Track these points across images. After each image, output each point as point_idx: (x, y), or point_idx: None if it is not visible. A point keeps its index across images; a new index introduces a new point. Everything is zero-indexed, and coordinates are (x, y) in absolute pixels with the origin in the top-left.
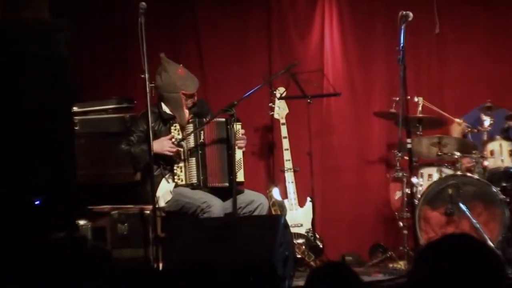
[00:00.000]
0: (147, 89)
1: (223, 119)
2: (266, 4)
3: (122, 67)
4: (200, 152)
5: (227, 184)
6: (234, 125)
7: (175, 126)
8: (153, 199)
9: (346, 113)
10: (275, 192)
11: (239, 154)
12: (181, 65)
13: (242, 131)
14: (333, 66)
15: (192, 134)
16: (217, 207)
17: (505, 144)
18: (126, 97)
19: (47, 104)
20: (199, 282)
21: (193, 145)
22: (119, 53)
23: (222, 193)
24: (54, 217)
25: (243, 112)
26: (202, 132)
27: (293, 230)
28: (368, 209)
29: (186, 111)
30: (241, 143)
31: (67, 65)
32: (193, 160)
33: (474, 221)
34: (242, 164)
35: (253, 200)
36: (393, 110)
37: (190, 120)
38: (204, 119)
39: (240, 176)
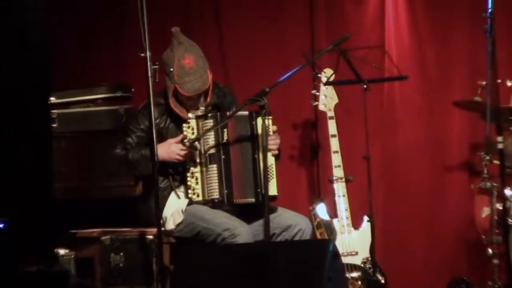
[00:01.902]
0: (149, 72)
1: (246, 113)
2: None
3: (116, 43)
4: (223, 156)
5: (253, 200)
6: (265, 120)
7: (189, 123)
8: (158, 220)
9: (415, 103)
10: (321, 210)
11: (270, 159)
12: (195, 52)
13: (273, 128)
14: (397, 40)
15: (213, 133)
16: (244, 236)
17: None
18: (121, 84)
19: (12, 92)
20: None
21: (213, 147)
22: (112, 25)
23: (248, 213)
24: (25, 245)
25: (276, 103)
26: (225, 129)
27: (345, 260)
28: (445, 231)
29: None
30: (272, 144)
31: (39, 38)
32: (213, 168)
33: None
34: (274, 173)
35: (290, 225)
36: (478, 99)
37: (209, 115)
38: (228, 113)
39: (272, 189)
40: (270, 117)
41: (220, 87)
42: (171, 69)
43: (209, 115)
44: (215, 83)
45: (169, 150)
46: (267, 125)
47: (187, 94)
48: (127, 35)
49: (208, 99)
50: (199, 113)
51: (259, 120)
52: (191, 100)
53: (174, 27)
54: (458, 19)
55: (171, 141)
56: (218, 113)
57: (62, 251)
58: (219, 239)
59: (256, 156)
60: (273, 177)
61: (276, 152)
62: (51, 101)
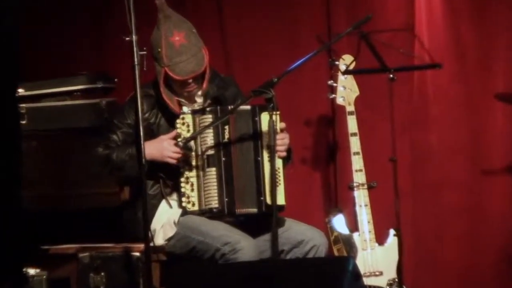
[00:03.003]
0: (135, 59)
1: (248, 107)
2: None
3: (97, 25)
4: (224, 158)
5: (255, 210)
6: (273, 116)
7: (184, 119)
8: (146, 234)
9: (451, 96)
10: (339, 222)
11: (277, 163)
12: (186, 27)
13: (281, 125)
14: (429, 22)
15: (212, 130)
16: (247, 251)
17: None
18: (102, 73)
19: None
20: None
21: (212, 148)
22: (92, 4)
23: (252, 226)
24: None
25: (286, 96)
26: (226, 126)
27: (367, 281)
28: (487, 246)
29: (177, 98)
30: (280, 145)
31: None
32: (212, 172)
33: None
34: (282, 178)
35: (302, 240)
36: None
37: (208, 109)
38: (230, 107)
39: (280, 198)
40: (278, 113)
41: (221, 77)
42: (159, 50)
43: (208, 109)
44: (215, 72)
45: (161, 147)
46: (274, 122)
47: (180, 77)
48: (110, 15)
49: (204, 86)
50: (196, 107)
51: (264, 116)
52: (185, 87)
53: None
54: None
55: (163, 137)
56: (218, 107)
57: (32, 271)
58: (218, 255)
59: (259, 158)
60: (280, 184)
61: (284, 153)
62: (20, 94)
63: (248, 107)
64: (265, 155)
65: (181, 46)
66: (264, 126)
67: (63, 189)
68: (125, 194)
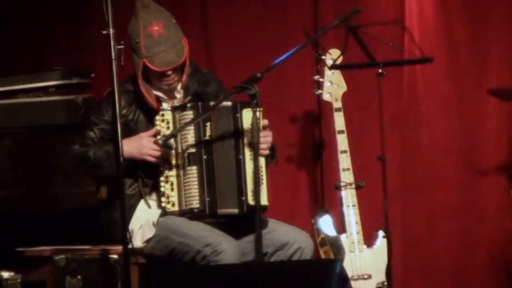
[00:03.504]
0: (113, 53)
1: (229, 103)
2: None
3: (73, 19)
4: (205, 156)
5: (236, 210)
6: (257, 113)
7: (163, 115)
8: (124, 236)
9: (442, 92)
10: (326, 223)
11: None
12: (164, 17)
13: (264, 122)
14: (420, 15)
15: (192, 127)
16: (229, 253)
17: None
18: (78, 69)
19: None
20: None
21: (193, 146)
22: None
23: (235, 228)
24: None
25: (271, 92)
26: (208, 123)
27: (355, 284)
28: (480, 247)
29: (156, 93)
30: (262, 142)
31: None
32: (193, 171)
33: None
34: (264, 177)
35: (286, 242)
36: None
37: (188, 105)
38: (211, 103)
39: (262, 198)
40: (260, 109)
41: (202, 73)
42: (137, 40)
43: (188, 105)
44: (196, 66)
45: (139, 145)
46: (258, 119)
47: (158, 68)
48: (86, 8)
49: (184, 78)
50: (176, 103)
51: (246, 113)
52: (165, 79)
53: None
54: None
55: (142, 134)
56: (200, 103)
57: (5, 274)
58: (198, 258)
59: (240, 156)
60: (263, 183)
61: (267, 152)
62: None
63: (229, 103)
64: (247, 153)
65: (160, 36)
66: (246, 123)
67: (38, 189)
68: (102, 194)
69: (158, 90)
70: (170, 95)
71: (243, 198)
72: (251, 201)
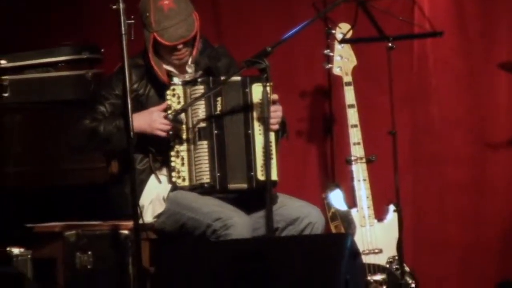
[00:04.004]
0: (122, 28)
1: (238, 78)
2: None
3: None
4: (216, 131)
5: (245, 185)
6: (267, 87)
7: (174, 90)
8: (135, 211)
9: (452, 66)
10: (336, 198)
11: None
12: None
13: (274, 96)
14: None
15: (203, 102)
16: (239, 227)
17: None
18: (88, 44)
19: None
20: None
21: (204, 120)
22: None
23: (244, 202)
24: None
25: (281, 66)
26: (218, 98)
27: (366, 259)
28: (490, 224)
29: (166, 67)
30: (272, 117)
31: None
32: (204, 146)
33: None
34: (274, 153)
35: (297, 218)
36: None
37: (199, 80)
38: (222, 78)
39: (272, 173)
40: (270, 84)
41: (213, 47)
42: (147, 14)
43: (199, 80)
44: (207, 41)
45: (150, 119)
46: (268, 93)
47: (169, 42)
48: None
49: (194, 52)
50: (187, 77)
51: (256, 88)
52: (175, 53)
53: None
54: None
55: (153, 109)
56: (210, 78)
57: (16, 250)
58: (209, 232)
59: (249, 131)
60: (272, 158)
61: (277, 126)
62: (1, 65)
63: (238, 78)
64: (256, 128)
65: (170, 10)
66: (255, 98)
67: (48, 164)
68: (112, 169)
69: (169, 64)
70: (181, 69)
71: (252, 173)
72: (260, 176)
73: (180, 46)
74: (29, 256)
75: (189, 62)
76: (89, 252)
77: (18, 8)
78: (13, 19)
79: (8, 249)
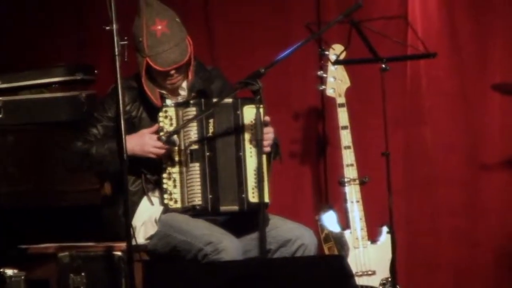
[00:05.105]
0: (116, 49)
1: (230, 100)
2: None
3: (76, 14)
4: (208, 153)
5: (236, 208)
6: (260, 109)
7: (166, 112)
8: (128, 232)
9: (445, 87)
10: (329, 219)
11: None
12: (168, 16)
13: (266, 119)
14: (423, 9)
15: (195, 124)
16: (230, 251)
17: None
18: (82, 65)
19: None
20: None
21: (196, 142)
22: None
23: (236, 224)
24: None
25: (274, 87)
26: (211, 120)
27: (359, 281)
28: (484, 245)
29: (160, 91)
30: (264, 140)
31: None
32: (196, 168)
33: None
34: (266, 175)
35: (289, 239)
36: None
37: (191, 102)
38: (214, 100)
39: (264, 195)
40: (263, 105)
41: (206, 69)
42: (140, 39)
43: (191, 102)
44: (201, 64)
45: (142, 141)
46: (261, 115)
47: (161, 68)
48: (90, 4)
49: (190, 76)
50: (179, 99)
51: (248, 110)
52: (169, 78)
53: None
54: None
55: (145, 131)
56: (202, 100)
57: (9, 271)
58: (200, 256)
59: (240, 153)
60: (263, 180)
61: (268, 149)
62: None
63: (230, 100)
64: (248, 150)
65: (163, 35)
66: (247, 120)
67: (42, 185)
68: (105, 191)
69: (162, 88)
70: (174, 92)
71: (243, 196)
72: (251, 198)
73: (172, 72)
74: (22, 277)
75: (184, 86)
76: (83, 274)
77: (12, 28)
78: (7, 39)
79: (1, 270)
